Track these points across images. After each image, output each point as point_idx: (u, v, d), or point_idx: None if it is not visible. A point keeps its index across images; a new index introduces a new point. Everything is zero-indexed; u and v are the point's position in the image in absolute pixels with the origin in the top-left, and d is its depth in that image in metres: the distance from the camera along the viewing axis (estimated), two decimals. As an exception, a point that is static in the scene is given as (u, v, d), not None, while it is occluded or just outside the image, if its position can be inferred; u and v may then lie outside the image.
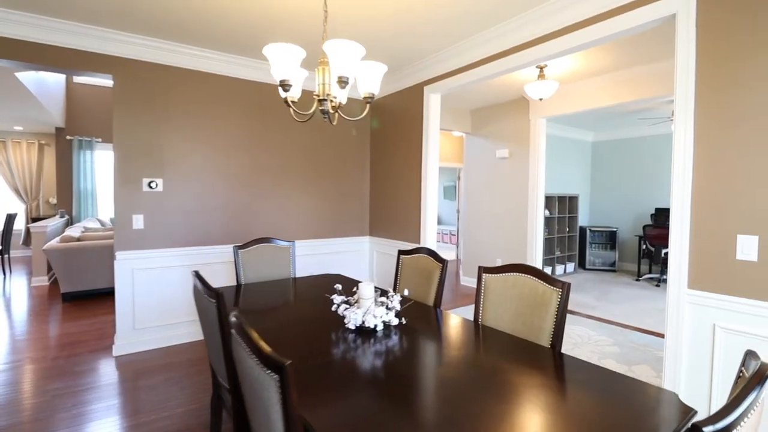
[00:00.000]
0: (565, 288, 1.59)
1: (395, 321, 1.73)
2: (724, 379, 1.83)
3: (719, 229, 1.86)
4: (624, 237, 7.00)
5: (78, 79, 7.12)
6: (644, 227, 5.91)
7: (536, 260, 4.73)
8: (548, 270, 6.11)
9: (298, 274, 3.99)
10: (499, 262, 5.19)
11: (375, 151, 4.39)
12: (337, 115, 1.78)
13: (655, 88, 3.59)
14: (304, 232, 4.08)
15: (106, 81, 6.14)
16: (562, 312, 1.58)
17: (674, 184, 1.99)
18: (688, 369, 1.95)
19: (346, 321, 1.71)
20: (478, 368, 1.37)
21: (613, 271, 6.75)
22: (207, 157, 3.52)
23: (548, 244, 6.23)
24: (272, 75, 3.64)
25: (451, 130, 5.48)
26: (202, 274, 3.54)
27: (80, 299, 4.94)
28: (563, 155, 6.94)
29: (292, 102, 1.65)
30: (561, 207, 6.42)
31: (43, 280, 5.73)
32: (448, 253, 8.63)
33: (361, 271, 4.46)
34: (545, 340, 1.61)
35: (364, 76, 1.61)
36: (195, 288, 1.63)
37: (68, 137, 7.56)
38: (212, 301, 1.43)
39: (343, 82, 1.46)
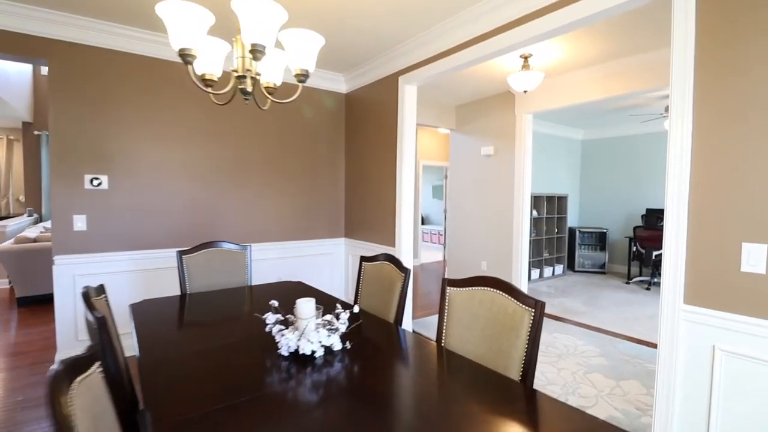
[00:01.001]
0: (538, 308, 1.32)
1: (339, 345, 1.45)
2: (725, 411, 1.57)
3: (721, 236, 1.60)
4: (614, 238, 6.79)
5: (46, 70, 6.73)
6: (635, 228, 5.70)
7: (522, 262, 4.48)
8: (536, 272, 5.87)
9: (265, 280, 3.69)
10: (484, 266, 4.93)
11: (350, 146, 4.10)
12: (269, 100, 1.48)
13: (647, 81, 3.34)
14: (272, 234, 3.77)
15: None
16: (534, 337, 1.31)
17: (669, 184, 1.73)
18: (683, 398, 1.69)
19: (279, 346, 1.42)
20: (425, 413, 1.09)
21: (603, 273, 6.54)
22: (160, 151, 3.20)
23: (536, 246, 6.00)
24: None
25: (436, 126, 5.20)
26: (155, 279, 3.23)
27: (37, 304, 4.60)
28: (552, 154, 6.70)
29: (210, 81, 1.36)
30: (549, 207, 6.18)
31: (3, 283, 5.39)
32: (436, 254, 8.38)
33: (335, 277, 4.17)
34: (515, 371, 1.34)
35: (292, 48, 1.31)
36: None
37: (36, 132, 7.18)
38: (94, 328, 1.13)
39: (258, 51, 1.16)
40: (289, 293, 2.41)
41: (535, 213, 5.91)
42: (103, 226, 3.04)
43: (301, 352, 1.38)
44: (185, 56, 1.18)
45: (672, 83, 1.71)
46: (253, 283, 3.51)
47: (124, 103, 3.05)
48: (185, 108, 3.29)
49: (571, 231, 6.76)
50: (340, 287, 4.20)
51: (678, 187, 1.70)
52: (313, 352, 1.40)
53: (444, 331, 1.62)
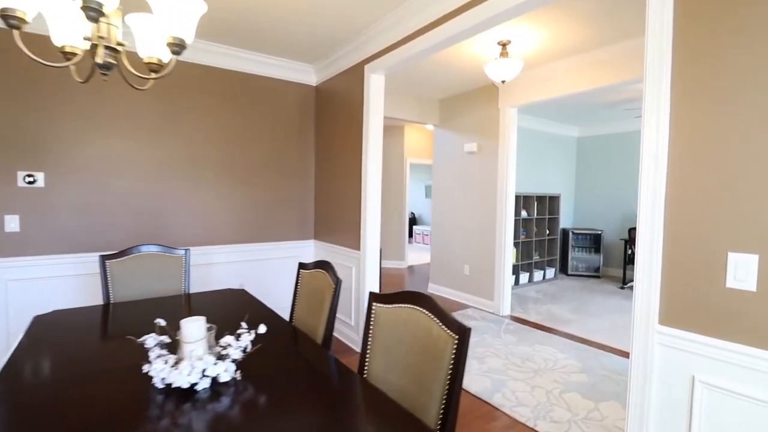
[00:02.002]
0: (462, 337, 1.05)
1: (226, 376, 1.19)
2: (705, 457, 1.30)
3: (703, 244, 1.33)
4: (609, 240, 6.48)
5: None
6: (630, 230, 5.40)
7: (504, 267, 4.20)
8: (525, 276, 5.58)
9: (222, 286, 3.43)
10: (466, 270, 4.65)
11: (320, 142, 3.84)
12: (149, 80, 1.22)
13: (637, 70, 3.05)
14: (232, 235, 3.52)
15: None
16: (456, 372, 1.04)
17: (643, 182, 1.46)
18: (656, 438, 1.41)
19: (152, 376, 1.17)
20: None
21: (597, 277, 6.23)
22: (104, 147, 2.96)
23: (525, 248, 5.71)
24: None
25: (418, 122, 4.93)
26: (99, 284, 2.98)
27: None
28: (546, 152, 6.41)
29: (72, 54, 1.09)
30: (540, 207, 5.89)
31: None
32: (427, 256, 8.10)
33: (303, 280, 3.91)
34: (433, 415, 1.07)
35: (162, 11, 1.05)
36: None
37: None
38: None
39: (92, 9, 0.90)
40: (223, 304, 2.16)
41: (524, 214, 5.63)
42: (39, 227, 2.80)
43: (175, 384, 1.12)
44: (8, 18, 0.92)
45: (646, 61, 1.43)
46: (204, 290, 3.26)
47: (60, 93, 2.80)
48: (132, 99, 3.04)
49: (564, 232, 6.47)
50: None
51: (652, 184, 1.43)
52: (193, 385, 1.14)
53: (368, 357, 1.36)
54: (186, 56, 3.21)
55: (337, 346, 3.28)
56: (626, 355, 3.20)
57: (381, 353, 1.31)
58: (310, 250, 3.94)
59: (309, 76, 3.82)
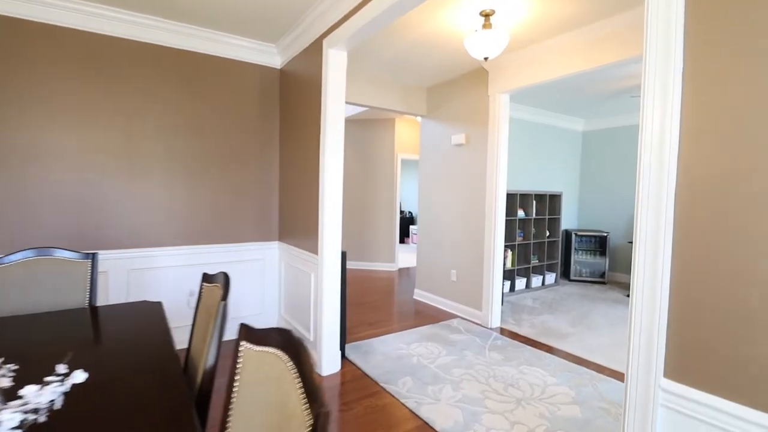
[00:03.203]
0: (317, 424, 0.62)
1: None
2: None
3: (728, 263, 0.87)
4: (616, 243, 5.97)
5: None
6: (638, 233, 4.88)
7: (495, 273, 3.74)
8: (522, 282, 5.11)
9: (171, 292, 3.04)
10: (453, 276, 4.20)
11: (285, 132, 3.42)
12: None
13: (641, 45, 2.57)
14: (182, 236, 3.13)
15: None
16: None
17: (642, 178, 1.02)
18: None
19: None
20: None
21: (603, 283, 5.72)
22: (31, 136, 2.58)
23: (523, 251, 5.23)
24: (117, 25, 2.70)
25: (405, 112, 4.48)
26: (17, 292, 2.61)
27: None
28: (548, 146, 5.91)
29: None
30: (540, 207, 5.41)
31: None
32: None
33: (266, 288, 3.50)
34: None
35: None
36: None
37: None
38: None
39: None
40: (122, 321, 1.75)
41: (522, 213, 5.15)
42: (-56, 226, 2.43)
43: None
44: None
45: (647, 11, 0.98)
46: (144, 298, 2.88)
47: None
48: (60, 76, 2.65)
49: (567, 234, 5.97)
50: (272, 302, 3.53)
51: (657, 180, 0.98)
52: None
53: (229, 421, 0.93)
54: (128, 32, 2.82)
55: (293, 364, 2.87)
56: (629, 380, 2.73)
57: (239, 419, 0.88)
58: (274, 253, 3.53)
59: (272, 57, 3.41)
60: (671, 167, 1.00)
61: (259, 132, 3.42)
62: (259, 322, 3.57)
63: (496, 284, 3.76)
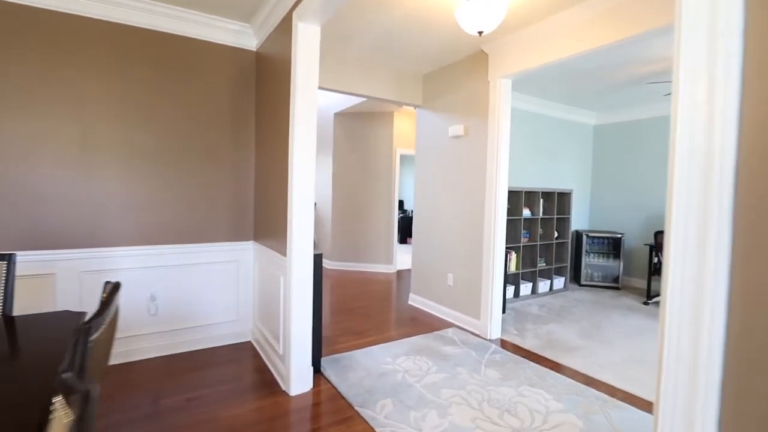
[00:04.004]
0: None
1: None
2: None
3: None
4: (631, 245, 5.52)
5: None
6: (656, 234, 4.46)
7: (495, 278, 3.36)
8: (527, 287, 4.71)
9: (130, 296, 2.74)
10: (450, 280, 3.84)
11: (260, 122, 3.10)
12: None
13: (664, 14, 2.18)
14: (143, 235, 2.83)
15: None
16: None
17: (681, 170, 0.66)
18: None
19: None
20: None
21: (616, 288, 5.29)
22: (-45, 118, 2.30)
23: (528, 253, 4.83)
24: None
25: (399, 101, 4.13)
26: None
27: None
28: (557, 141, 5.50)
29: None
30: (547, 205, 5.00)
31: None
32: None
33: (240, 292, 3.19)
34: None
35: None
36: None
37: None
38: None
39: None
40: (18, 337, 1.44)
41: (527, 212, 4.76)
42: None
43: None
44: None
45: None
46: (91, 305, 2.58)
47: None
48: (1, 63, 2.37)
49: (578, 235, 5.54)
50: (247, 308, 3.21)
51: (702, 170, 0.62)
52: None
53: None
54: (83, 8, 2.52)
55: (260, 380, 2.54)
56: (648, 406, 2.34)
57: None
58: (248, 254, 3.21)
59: (248, 38, 3.09)
60: (726, 154, 0.65)
61: (233, 121, 3.11)
62: (233, 330, 3.26)
63: (496, 291, 3.38)
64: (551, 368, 2.82)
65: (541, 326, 3.72)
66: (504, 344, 3.26)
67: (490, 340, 3.32)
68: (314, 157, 2.34)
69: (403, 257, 7.15)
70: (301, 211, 2.31)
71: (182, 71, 2.89)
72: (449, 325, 3.71)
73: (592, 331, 3.64)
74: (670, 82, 3.66)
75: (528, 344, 3.26)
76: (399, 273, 6.12)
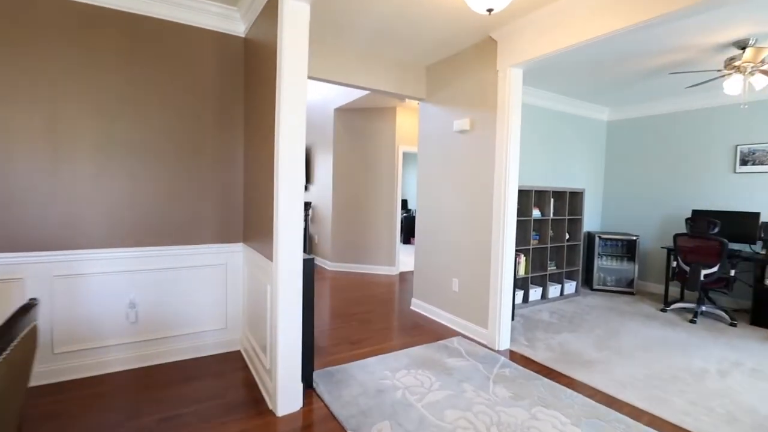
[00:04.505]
0: None
1: None
2: None
3: None
4: (647, 248, 5.23)
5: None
6: (675, 237, 4.17)
7: (503, 284, 3.10)
8: (537, 292, 4.45)
9: (92, 307, 2.52)
10: (455, 285, 3.58)
11: (250, 114, 2.86)
12: None
13: (706, -14, 1.91)
14: (120, 236, 2.60)
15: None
16: None
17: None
18: None
19: None
20: None
21: (631, 293, 5.00)
22: None
23: (538, 256, 4.56)
24: (22, -31, 2.17)
25: (400, 94, 3.88)
26: None
27: None
28: (567, 138, 5.22)
29: None
30: (558, 206, 4.73)
31: None
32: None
33: (229, 298, 2.95)
34: None
35: None
36: None
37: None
38: None
39: None
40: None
41: (537, 213, 4.49)
42: None
43: None
44: None
45: None
46: (76, 310, 2.37)
47: None
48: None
49: (589, 237, 5.26)
50: (237, 315, 2.98)
51: None
52: None
53: None
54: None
55: (246, 397, 2.30)
56: (678, 433, 2.08)
57: None
58: (238, 257, 2.98)
59: (235, 24, 2.85)
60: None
61: (221, 114, 2.87)
62: (221, 339, 3.02)
63: (505, 298, 3.12)
64: (566, 385, 2.55)
65: (553, 335, 3.46)
66: (513, 356, 3.00)
67: (498, 352, 3.07)
68: (303, 150, 2.10)
69: (406, 258, 6.90)
70: (288, 210, 2.06)
71: (164, 59, 2.66)
72: (454, 333, 3.46)
73: (608, 341, 3.37)
74: (696, 72, 3.38)
75: (540, 356, 2.99)
76: (402, 275, 5.87)
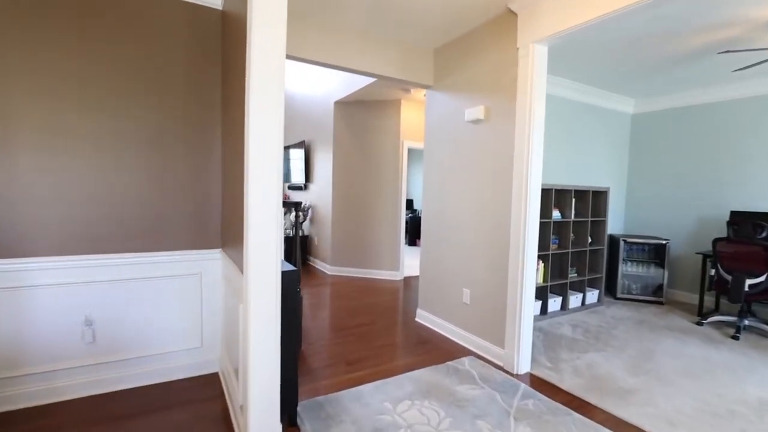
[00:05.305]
0: None
1: None
2: None
3: None
4: (678, 253, 4.75)
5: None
6: (715, 241, 3.70)
7: (525, 296, 2.67)
8: (556, 302, 4.00)
9: (38, 324, 2.13)
10: (466, 296, 3.15)
11: (228, 100, 2.46)
12: None
13: None
14: (78, 240, 2.21)
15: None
16: None
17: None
18: None
19: None
20: None
21: (659, 303, 4.53)
22: None
23: (558, 262, 4.12)
24: None
25: (405, 80, 3.46)
26: None
27: None
28: (590, 131, 4.76)
29: None
30: (581, 206, 4.27)
31: None
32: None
33: (207, 313, 2.55)
34: None
35: None
36: None
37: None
38: None
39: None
40: None
41: (557, 214, 4.04)
42: None
43: None
44: None
45: None
46: (19, 328, 1.98)
47: None
48: None
49: (612, 241, 4.79)
50: (214, 332, 2.58)
51: None
52: None
53: None
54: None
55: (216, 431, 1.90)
56: (756, 496, 1.62)
57: None
58: (215, 265, 2.58)
59: (212, -7, 2.45)
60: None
61: (195, 98, 2.47)
62: (195, 360, 2.62)
63: (526, 314, 2.69)
64: (603, 422, 2.11)
65: (578, 355, 3.01)
66: (536, 382, 2.56)
67: (517, 377, 2.63)
68: (279, 139, 1.69)
69: (410, 262, 6.47)
70: (260, 212, 1.65)
71: (128, 35, 2.26)
72: (465, 352, 3.03)
73: (644, 363, 2.92)
74: (751, 50, 2.90)
75: (567, 383, 2.55)
76: (406, 280, 5.44)
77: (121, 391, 2.31)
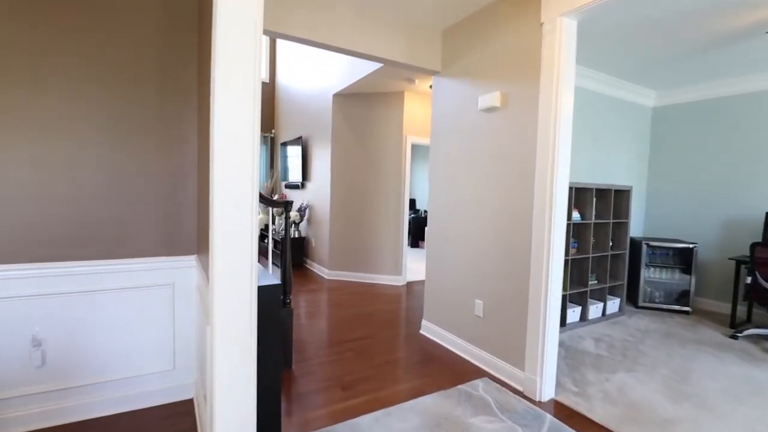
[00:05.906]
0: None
1: None
2: None
3: None
4: (706, 258, 4.38)
5: None
6: (753, 246, 3.33)
7: (549, 309, 2.31)
8: (575, 312, 3.64)
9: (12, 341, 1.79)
10: (478, 309, 2.79)
11: (202, 82, 2.10)
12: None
13: None
14: (24, 246, 1.87)
15: None
16: None
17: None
18: None
19: None
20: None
21: (686, 312, 4.16)
22: None
23: (577, 268, 3.75)
24: None
25: (410, 64, 3.11)
26: None
27: None
28: (610, 126, 4.40)
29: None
30: (602, 207, 3.91)
31: None
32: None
33: (180, 329, 2.20)
34: None
35: None
36: None
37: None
38: None
39: None
40: None
41: (576, 216, 3.68)
42: None
43: None
44: None
45: None
46: None
47: None
48: None
49: (634, 244, 4.43)
50: (187, 350, 2.22)
51: None
52: None
53: None
54: None
55: (178, 492, 1.54)
56: None
57: None
58: (190, 274, 2.23)
59: (186, -43, 2.10)
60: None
61: (166, 81, 2.12)
62: (168, 385, 2.22)
63: (551, 329, 2.33)
64: (650, 467, 1.75)
65: (607, 377, 2.65)
66: (562, 411, 2.20)
67: (540, 404, 2.27)
68: (253, 127, 1.33)
69: (414, 265, 6.12)
70: (227, 214, 1.30)
71: (88, 3, 1.92)
72: (478, 372, 2.67)
73: (682, 386, 2.55)
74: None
75: (599, 412, 2.19)
76: (410, 286, 5.08)
77: (77, 423, 1.97)
